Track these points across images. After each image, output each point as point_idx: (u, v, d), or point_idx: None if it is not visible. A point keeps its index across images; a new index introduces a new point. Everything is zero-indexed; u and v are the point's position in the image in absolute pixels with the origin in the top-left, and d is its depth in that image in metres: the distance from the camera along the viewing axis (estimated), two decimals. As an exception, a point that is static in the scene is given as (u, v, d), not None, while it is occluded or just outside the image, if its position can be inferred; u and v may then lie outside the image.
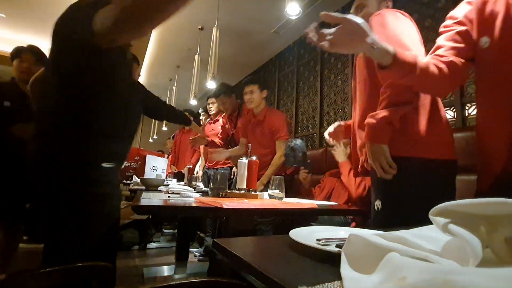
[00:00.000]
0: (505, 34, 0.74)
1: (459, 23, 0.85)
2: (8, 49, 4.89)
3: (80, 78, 0.84)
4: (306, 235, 0.46)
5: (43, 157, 0.86)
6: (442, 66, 0.80)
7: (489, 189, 0.78)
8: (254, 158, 1.48)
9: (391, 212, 0.89)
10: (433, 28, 2.09)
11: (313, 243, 0.40)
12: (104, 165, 0.92)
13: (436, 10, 2.13)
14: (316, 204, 1.22)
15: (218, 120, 2.99)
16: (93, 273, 0.61)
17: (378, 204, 0.92)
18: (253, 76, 2.45)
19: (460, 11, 0.87)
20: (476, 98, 0.90)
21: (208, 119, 3.22)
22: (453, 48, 0.83)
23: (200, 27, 3.69)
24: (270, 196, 1.39)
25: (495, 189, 0.76)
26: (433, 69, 0.79)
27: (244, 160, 1.49)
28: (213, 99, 2.91)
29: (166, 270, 2.25)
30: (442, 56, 0.82)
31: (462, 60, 0.82)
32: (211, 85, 3.09)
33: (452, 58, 0.81)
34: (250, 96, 2.23)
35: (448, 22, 0.89)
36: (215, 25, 3.07)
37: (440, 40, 0.88)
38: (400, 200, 0.88)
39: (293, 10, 1.77)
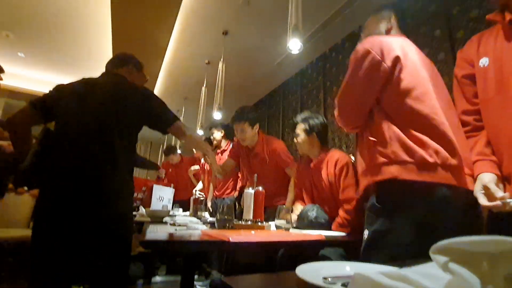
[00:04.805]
0: (501, 53, 0.89)
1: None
2: (26, 86, 5.17)
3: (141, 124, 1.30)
4: (313, 271, 0.46)
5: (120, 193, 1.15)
6: None
7: None
8: (260, 188, 1.49)
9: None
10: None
11: (320, 281, 0.41)
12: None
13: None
14: (324, 236, 1.21)
15: (225, 150, 2.95)
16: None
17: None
18: (241, 111, 2.11)
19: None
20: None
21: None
22: None
23: (207, 61, 3.87)
24: (277, 227, 1.38)
25: None
26: None
27: (251, 191, 1.49)
28: (218, 129, 2.92)
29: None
30: None
31: None
32: (217, 116, 3.18)
33: None
34: (242, 135, 2.08)
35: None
36: (221, 60, 3.23)
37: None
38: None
39: (294, 46, 1.86)
